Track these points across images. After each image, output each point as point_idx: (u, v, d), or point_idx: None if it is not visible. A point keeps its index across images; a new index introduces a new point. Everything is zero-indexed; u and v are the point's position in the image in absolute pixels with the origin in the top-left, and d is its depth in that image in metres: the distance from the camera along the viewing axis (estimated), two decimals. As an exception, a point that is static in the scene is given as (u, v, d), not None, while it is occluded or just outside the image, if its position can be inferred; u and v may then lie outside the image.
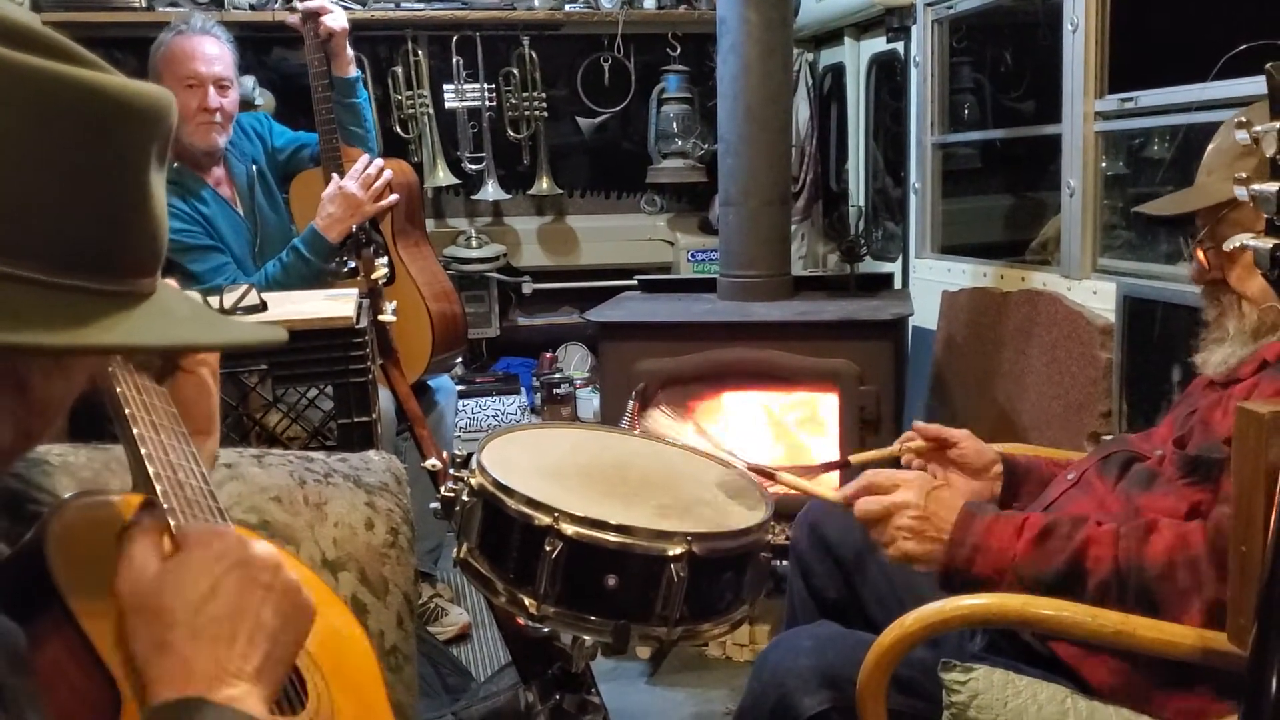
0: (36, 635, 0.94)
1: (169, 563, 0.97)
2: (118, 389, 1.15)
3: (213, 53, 3.20)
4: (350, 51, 3.37)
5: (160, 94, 0.91)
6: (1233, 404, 1.67)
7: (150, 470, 1.09)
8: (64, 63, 0.84)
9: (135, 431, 1.12)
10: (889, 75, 4.66)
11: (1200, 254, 1.84)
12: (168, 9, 4.50)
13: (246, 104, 4.45)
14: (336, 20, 3.27)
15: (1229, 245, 1.09)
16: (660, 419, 1.99)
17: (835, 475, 2.38)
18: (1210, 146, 1.83)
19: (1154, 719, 1.62)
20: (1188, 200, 1.84)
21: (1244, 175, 1.02)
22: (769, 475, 1.88)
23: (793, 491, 1.92)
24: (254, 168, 3.40)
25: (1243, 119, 1.01)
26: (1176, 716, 1.61)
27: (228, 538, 1.01)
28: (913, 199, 4.24)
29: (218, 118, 3.19)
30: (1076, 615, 1.52)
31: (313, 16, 3.23)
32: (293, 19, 3.27)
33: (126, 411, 1.14)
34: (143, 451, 1.11)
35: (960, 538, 1.67)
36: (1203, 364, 1.84)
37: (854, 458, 2.10)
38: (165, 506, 1.04)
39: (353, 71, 3.38)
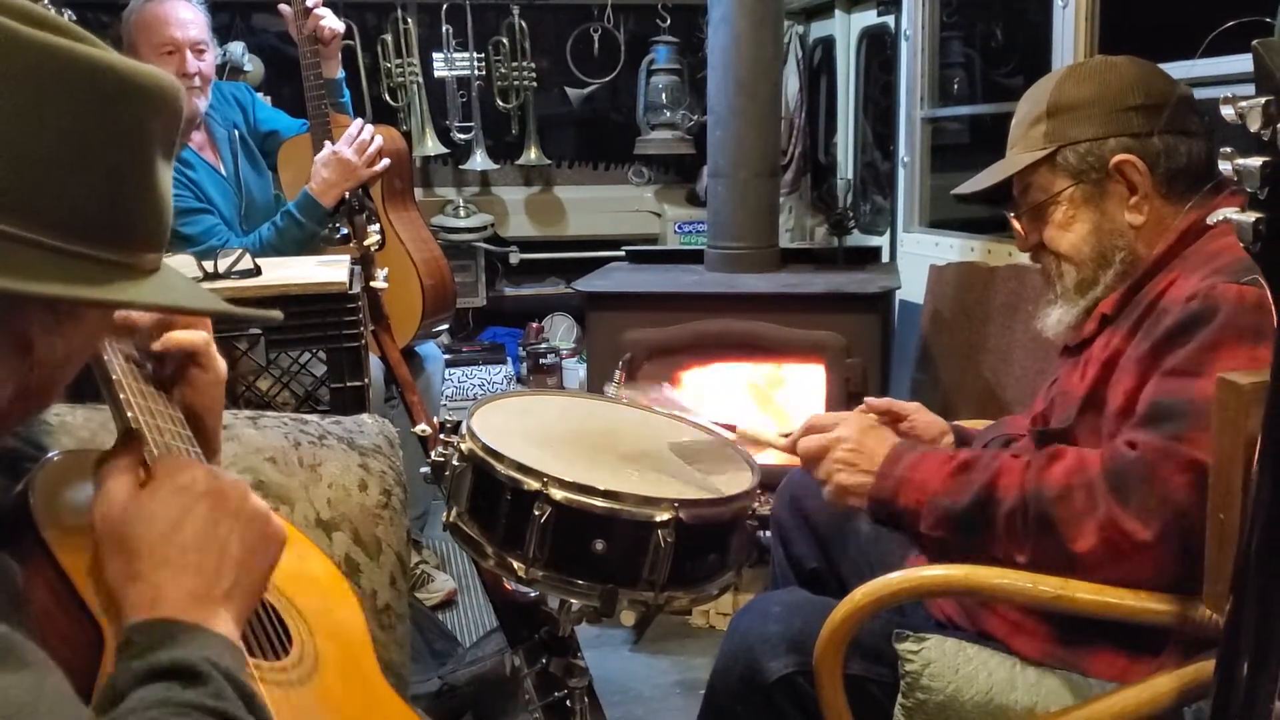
0: (23, 579, 0.97)
1: (139, 493, 1.00)
2: (114, 376, 1.18)
3: (187, 17, 3.16)
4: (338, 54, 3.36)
5: (166, 79, 0.95)
6: (1090, 367, 1.73)
7: (129, 415, 1.11)
8: (76, 42, 0.88)
9: (122, 396, 1.14)
10: (879, 48, 4.66)
11: (1016, 223, 1.89)
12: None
13: (235, 71, 4.44)
14: (335, 23, 3.24)
15: (1213, 219, 1.10)
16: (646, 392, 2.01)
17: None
18: (1013, 120, 1.89)
19: (1100, 678, 1.65)
20: (993, 173, 1.90)
21: (1228, 150, 1.03)
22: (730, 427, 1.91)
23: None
24: (236, 133, 3.39)
25: (1230, 95, 1.03)
26: (1102, 675, 1.64)
27: (196, 468, 1.04)
28: (901, 173, 4.25)
29: (196, 82, 3.16)
30: (1018, 582, 1.54)
31: (308, 13, 3.18)
32: (285, 10, 3.23)
33: (113, 377, 1.17)
34: (122, 397, 1.13)
35: (888, 470, 1.69)
36: (1042, 328, 1.89)
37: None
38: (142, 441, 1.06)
39: (339, 72, 3.37)
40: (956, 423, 2.14)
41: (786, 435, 1.87)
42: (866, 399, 2.15)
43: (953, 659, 1.68)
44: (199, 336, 1.25)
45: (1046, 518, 1.56)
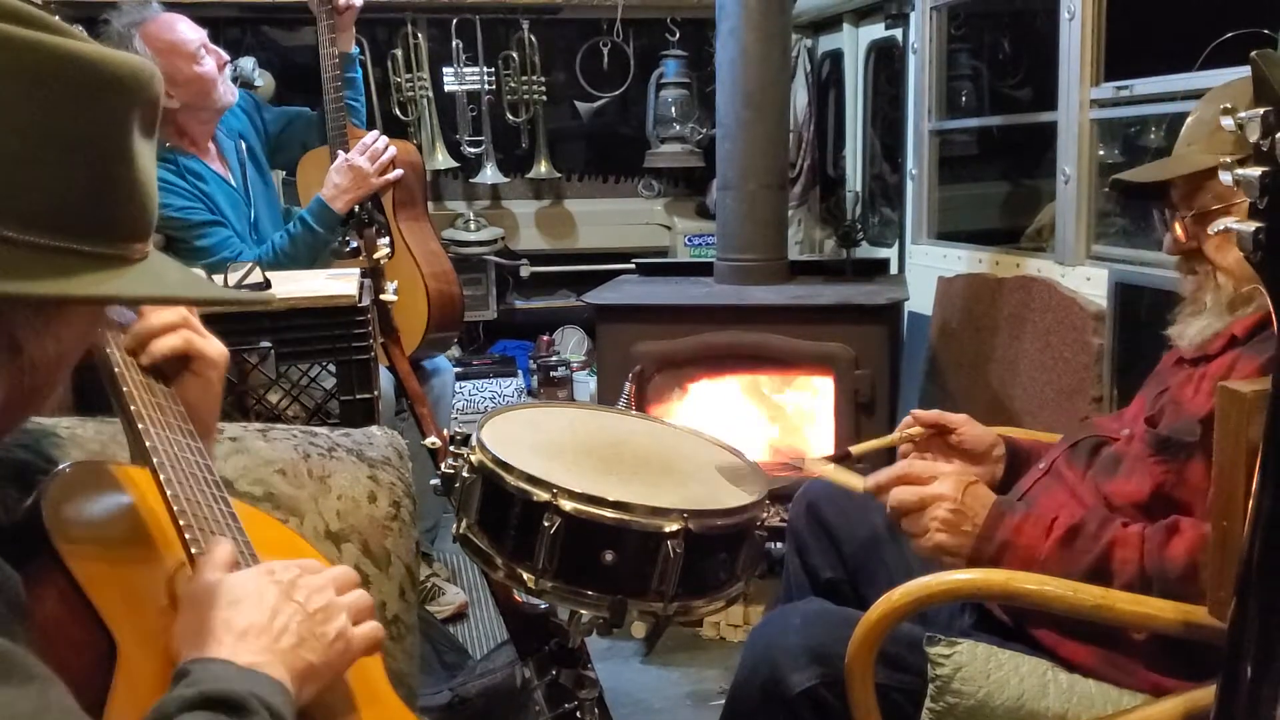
0: (34, 589, 0.98)
1: (228, 575, 1.05)
2: (115, 369, 1.19)
3: (182, 22, 3.20)
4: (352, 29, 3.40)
5: (141, 64, 0.94)
6: (1206, 383, 1.69)
7: (148, 444, 1.12)
8: (44, 33, 0.87)
9: (132, 408, 1.15)
10: (887, 61, 4.67)
11: (1178, 224, 1.81)
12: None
13: (246, 85, 4.47)
14: None
15: (1214, 229, 1.11)
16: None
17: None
18: (1191, 118, 1.82)
19: (1133, 690, 1.65)
20: (1166, 168, 1.83)
21: (1228, 159, 1.04)
22: (796, 468, 1.89)
23: (814, 473, 1.93)
24: (243, 144, 3.41)
25: (1229, 105, 1.04)
26: (1155, 689, 1.63)
27: (280, 564, 1.09)
28: (909, 185, 4.26)
29: (229, 69, 3.24)
30: (1059, 590, 1.54)
31: None
32: None
33: (124, 389, 1.18)
34: (140, 427, 1.14)
35: (989, 533, 1.67)
36: (1178, 336, 1.82)
37: (854, 449, 2.10)
38: (164, 479, 1.08)
39: (353, 47, 3.40)
40: (999, 431, 2.10)
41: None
42: (913, 411, 2.10)
43: (984, 664, 1.67)
44: (177, 340, 1.26)
45: (1171, 596, 1.53)
